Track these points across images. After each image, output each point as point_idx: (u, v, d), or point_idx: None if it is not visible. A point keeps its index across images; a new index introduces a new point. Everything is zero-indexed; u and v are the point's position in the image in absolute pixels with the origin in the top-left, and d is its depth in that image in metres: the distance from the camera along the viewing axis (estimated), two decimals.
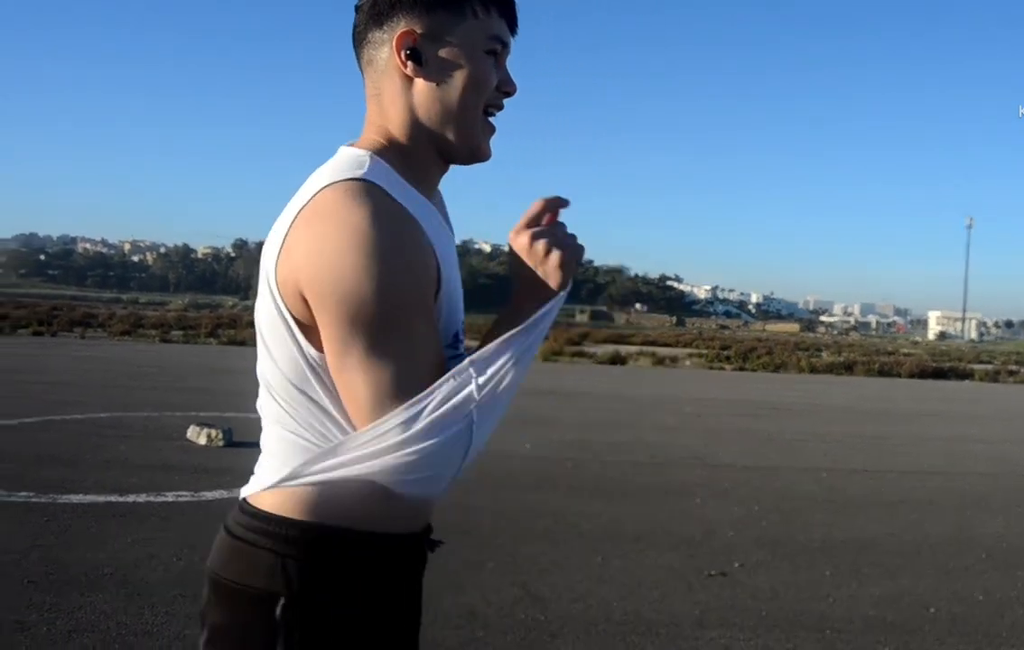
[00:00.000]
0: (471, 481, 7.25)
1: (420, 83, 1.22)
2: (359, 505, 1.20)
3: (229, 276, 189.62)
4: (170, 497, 6.33)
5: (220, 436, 8.51)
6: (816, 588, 5.01)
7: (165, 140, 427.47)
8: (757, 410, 14.81)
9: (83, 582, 4.46)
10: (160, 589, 4.41)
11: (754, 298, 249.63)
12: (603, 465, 8.50)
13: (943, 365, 32.23)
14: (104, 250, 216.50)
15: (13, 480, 6.59)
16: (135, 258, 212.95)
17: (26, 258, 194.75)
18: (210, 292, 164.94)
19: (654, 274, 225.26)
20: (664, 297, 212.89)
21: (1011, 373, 30.95)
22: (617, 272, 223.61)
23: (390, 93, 1.24)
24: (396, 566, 1.29)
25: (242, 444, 8.49)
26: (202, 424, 8.83)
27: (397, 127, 1.25)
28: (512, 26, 1.28)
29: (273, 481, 1.23)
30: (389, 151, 1.24)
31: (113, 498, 6.19)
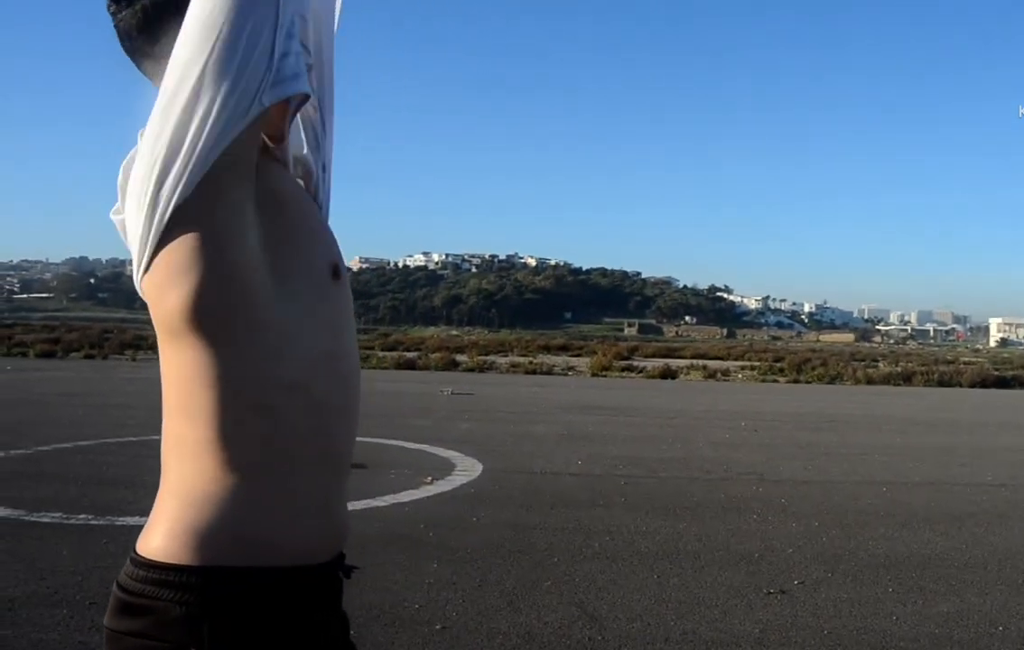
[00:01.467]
0: (524, 500, 7.25)
1: None
2: (262, 538, 1.14)
3: None
4: None
5: None
6: (879, 605, 4.87)
7: None
8: (814, 423, 14.57)
9: None
10: None
11: (807, 308, 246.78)
12: (658, 481, 8.40)
13: (1006, 373, 31.46)
14: None
15: (73, 502, 6.70)
16: None
17: (77, 282, 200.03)
18: None
19: (703, 285, 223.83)
20: (714, 309, 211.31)
21: None
22: (665, 284, 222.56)
23: None
24: (312, 601, 1.20)
25: None
26: None
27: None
28: None
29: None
30: None
31: None
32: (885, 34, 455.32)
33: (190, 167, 1.07)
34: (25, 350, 32.91)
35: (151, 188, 1.08)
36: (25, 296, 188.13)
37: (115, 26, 1.22)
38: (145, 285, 1.14)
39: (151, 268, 1.12)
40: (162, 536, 1.14)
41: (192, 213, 1.09)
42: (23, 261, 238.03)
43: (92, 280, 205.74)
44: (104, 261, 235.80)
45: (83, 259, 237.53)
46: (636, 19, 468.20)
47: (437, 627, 4.29)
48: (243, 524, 1.13)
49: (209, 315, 1.11)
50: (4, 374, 21.38)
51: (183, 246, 1.10)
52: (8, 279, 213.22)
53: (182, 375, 1.14)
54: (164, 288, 1.12)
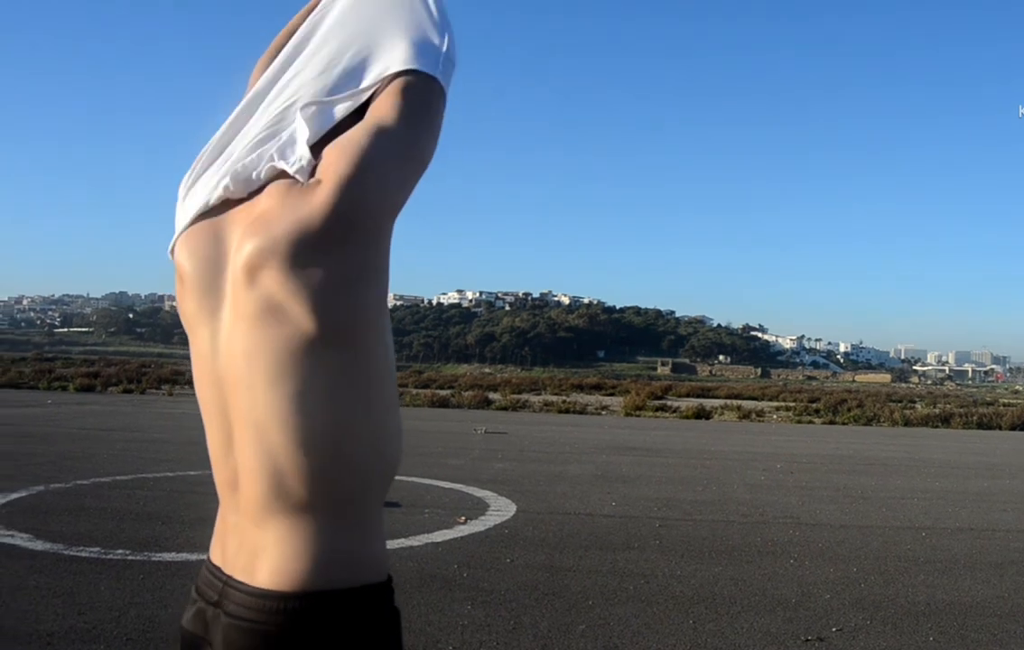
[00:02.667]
0: (558, 541, 7.21)
1: None
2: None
3: None
4: None
5: None
6: None
7: None
8: (851, 465, 14.37)
9: (178, 641, 4.52)
10: None
11: (842, 348, 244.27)
12: (693, 524, 8.32)
13: None
14: None
15: (110, 538, 6.77)
16: None
17: (116, 317, 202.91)
18: None
19: (737, 324, 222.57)
20: (748, 348, 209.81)
21: None
22: (699, 323, 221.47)
23: None
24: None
25: None
26: None
27: None
28: None
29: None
30: None
31: (204, 556, 6.26)
32: (931, 81, 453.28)
33: (398, 204, 1.24)
34: (65, 384, 33.39)
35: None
36: (66, 330, 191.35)
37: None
38: (300, 281, 1.17)
39: (310, 268, 1.16)
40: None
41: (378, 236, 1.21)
42: (64, 295, 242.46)
43: (131, 315, 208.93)
44: (143, 296, 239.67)
45: (122, 294, 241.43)
46: (673, 58, 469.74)
47: None
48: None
49: (370, 328, 1.21)
50: (45, 408, 21.71)
51: (362, 258, 1.19)
52: (50, 313, 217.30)
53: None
54: (335, 291, 1.17)
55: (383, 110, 1.25)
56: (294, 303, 1.16)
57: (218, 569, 1.29)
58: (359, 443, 1.22)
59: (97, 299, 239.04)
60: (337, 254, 1.16)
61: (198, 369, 1.30)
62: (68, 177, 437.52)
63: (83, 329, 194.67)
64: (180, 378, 39.92)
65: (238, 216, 1.26)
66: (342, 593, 1.20)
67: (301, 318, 1.16)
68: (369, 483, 1.24)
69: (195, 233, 1.30)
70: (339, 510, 1.22)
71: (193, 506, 8.35)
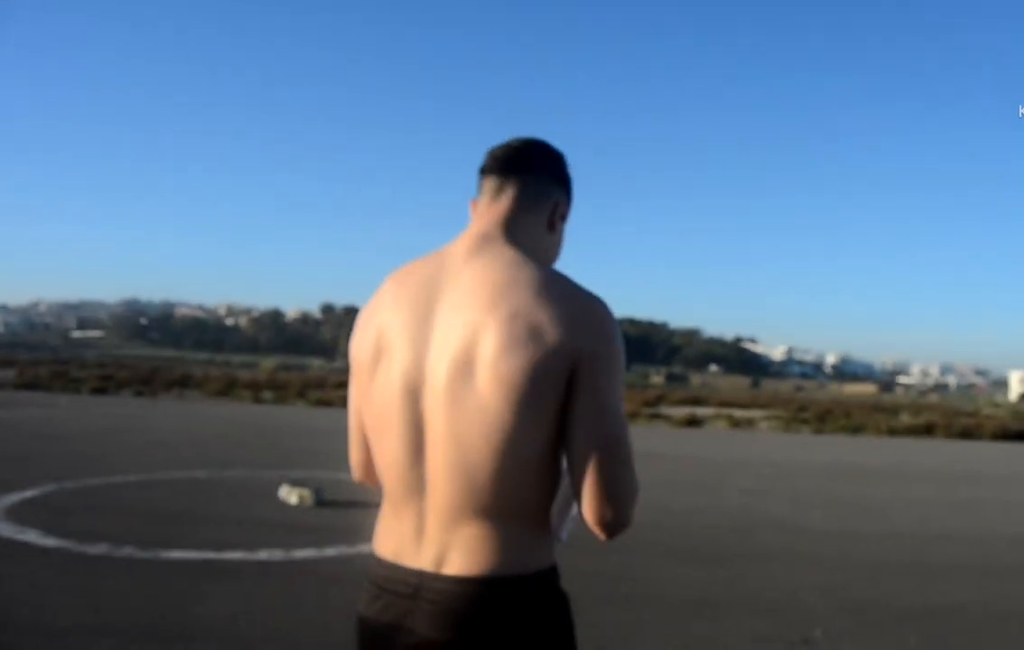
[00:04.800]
0: None
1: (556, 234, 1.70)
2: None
3: (316, 339, 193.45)
4: (263, 555, 6.56)
5: (311, 496, 8.76)
6: None
7: (260, 212, 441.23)
8: (838, 473, 14.56)
9: (185, 636, 4.69)
10: (257, 644, 4.60)
11: (830, 359, 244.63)
12: (683, 529, 8.49)
13: None
14: (200, 314, 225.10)
15: (119, 536, 6.92)
16: (229, 322, 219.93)
17: (129, 322, 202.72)
18: (298, 354, 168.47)
19: (729, 336, 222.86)
20: (739, 359, 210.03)
21: None
22: (692, 334, 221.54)
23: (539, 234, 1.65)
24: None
25: (331, 504, 8.74)
26: (293, 483, 9.10)
27: (542, 256, 1.65)
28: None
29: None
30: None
31: (211, 555, 6.46)
32: (908, 86, 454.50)
33: None
34: (79, 386, 33.48)
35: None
36: (81, 334, 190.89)
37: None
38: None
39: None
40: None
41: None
42: (80, 301, 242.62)
43: (144, 320, 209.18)
44: (156, 302, 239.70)
45: (135, 300, 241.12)
46: (648, 79, 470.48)
47: None
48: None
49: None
50: (59, 409, 21.81)
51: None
52: (65, 317, 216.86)
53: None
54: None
55: None
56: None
57: (402, 566, 1.51)
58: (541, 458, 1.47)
59: (110, 304, 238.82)
60: None
61: (392, 385, 1.51)
62: (81, 185, 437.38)
63: (97, 333, 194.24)
64: (190, 381, 40.04)
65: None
66: (522, 578, 1.47)
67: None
68: (546, 491, 1.50)
69: (407, 275, 1.59)
70: (521, 513, 1.47)
71: (199, 506, 8.51)
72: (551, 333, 1.41)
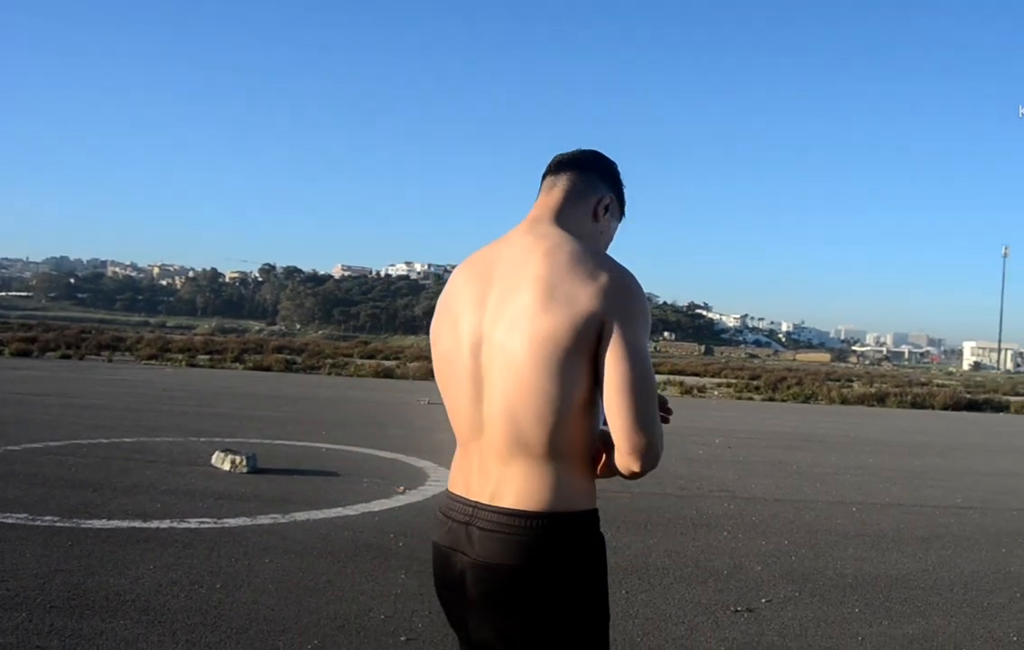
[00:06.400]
0: None
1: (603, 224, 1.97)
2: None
3: (256, 301, 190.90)
4: (193, 523, 6.32)
5: (244, 462, 8.51)
6: (846, 626, 4.88)
7: (195, 166, 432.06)
8: (787, 442, 14.64)
9: (105, 608, 4.45)
10: (181, 616, 4.38)
11: (784, 327, 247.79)
12: (630, 496, 8.39)
13: (978, 397, 31.78)
14: (133, 274, 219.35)
15: (38, 504, 6.63)
16: (163, 282, 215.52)
17: (56, 281, 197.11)
18: (237, 316, 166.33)
19: (683, 302, 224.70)
20: (693, 325, 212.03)
21: None
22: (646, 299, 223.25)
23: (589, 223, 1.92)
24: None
25: (266, 471, 8.48)
26: (227, 450, 8.82)
27: (587, 240, 1.88)
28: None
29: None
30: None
31: (136, 524, 6.20)
32: (868, 54, 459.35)
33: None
34: (0, 349, 32.54)
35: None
36: (4, 294, 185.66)
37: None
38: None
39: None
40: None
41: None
42: (3, 259, 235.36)
43: (72, 280, 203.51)
44: (85, 261, 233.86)
45: (63, 259, 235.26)
46: (609, 53, 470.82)
47: (403, 639, 4.26)
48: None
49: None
50: None
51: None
52: None
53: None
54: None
55: None
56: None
57: (463, 497, 1.81)
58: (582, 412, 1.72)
59: (36, 263, 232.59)
60: None
61: (459, 346, 1.80)
62: (9, 137, 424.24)
63: (22, 293, 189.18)
64: (121, 344, 39.17)
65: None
66: (566, 514, 1.71)
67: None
68: (586, 437, 1.73)
69: (474, 259, 1.89)
70: (563, 455, 1.71)
71: (125, 473, 8.20)
72: (583, 298, 1.66)
